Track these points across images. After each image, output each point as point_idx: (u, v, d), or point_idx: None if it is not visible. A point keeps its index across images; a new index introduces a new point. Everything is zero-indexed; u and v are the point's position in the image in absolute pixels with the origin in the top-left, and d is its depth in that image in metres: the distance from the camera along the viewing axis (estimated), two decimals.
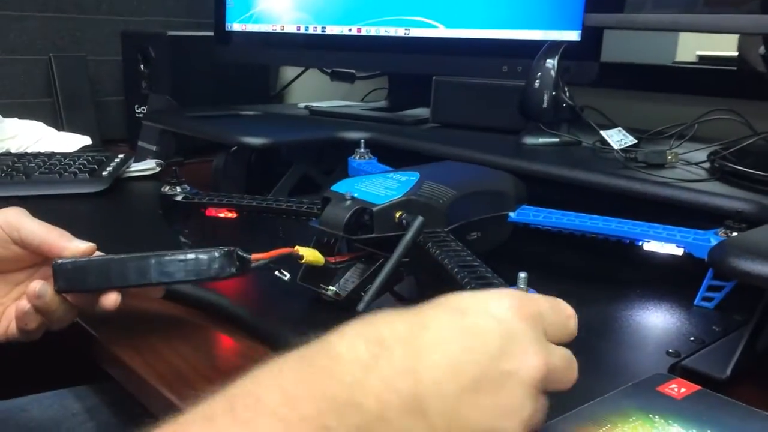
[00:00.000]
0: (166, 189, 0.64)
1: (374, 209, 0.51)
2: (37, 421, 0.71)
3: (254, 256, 0.49)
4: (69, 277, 0.48)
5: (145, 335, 0.53)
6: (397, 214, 0.52)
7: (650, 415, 0.41)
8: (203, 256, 0.48)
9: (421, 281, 0.57)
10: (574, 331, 0.37)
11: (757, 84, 0.84)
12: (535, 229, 0.61)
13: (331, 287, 0.53)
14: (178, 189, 0.63)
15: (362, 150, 0.77)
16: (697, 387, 0.44)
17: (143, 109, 1.23)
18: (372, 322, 0.32)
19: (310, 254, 0.52)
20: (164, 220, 0.65)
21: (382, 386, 0.29)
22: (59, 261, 0.49)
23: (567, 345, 0.37)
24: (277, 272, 0.51)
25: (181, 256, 0.48)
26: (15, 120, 1.16)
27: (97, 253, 0.51)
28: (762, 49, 0.71)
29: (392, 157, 0.78)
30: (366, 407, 0.29)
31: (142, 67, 1.24)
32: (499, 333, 0.32)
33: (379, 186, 0.54)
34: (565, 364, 0.34)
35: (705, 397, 0.43)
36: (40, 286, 0.48)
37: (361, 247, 0.54)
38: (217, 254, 0.48)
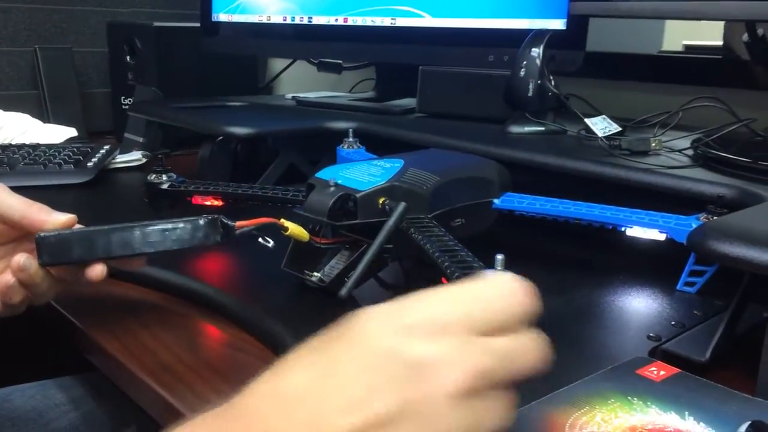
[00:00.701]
0: (152, 177, 0.64)
1: (358, 195, 0.51)
2: (20, 411, 0.71)
3: (239, 223, 0.48)
4: (53, 249, 0.48)
5: (128, 324, 0.53)
6: (381, 201, 0.52)
7: (629, 398, 0.41)
8: (187, 225, 0.47)
9: (405, 267, 0.57)
10: (523, 310, 0.32)
11: (742, 72, 0.84)
12: (519, 216, 0.61)
13: (315, 273, 0.54)
14: (164, 177, 0.63)
15: (351, 139, 0.77)
16: (676, 370, 0.45)
17: (129, 101, 1.23)
18: (278, 374, 0.31)
19: (294, 228, 0.52)
20: (150, 208, 0.65)
21: None
22: (42, 234, 0.48)
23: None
24: (260, 239, 0.50)
25: (166, 225, 0.47)
26: (0, 112, 1.15)
27: (78, 225, 0.50)
28: (746, 37, 0.71)
29: (380, 147, 0.78)
30: None
31: (128, 58, 1.23)
32: (404, 362, 0.29)
33: (363, 173, 0.54)
34: (508, 352, 0.31)
35: (684, 380, 0.44)
36: (24, 259, 0.48)
37: (345, 234, 0.54)
38: (201, 222, 0.47)
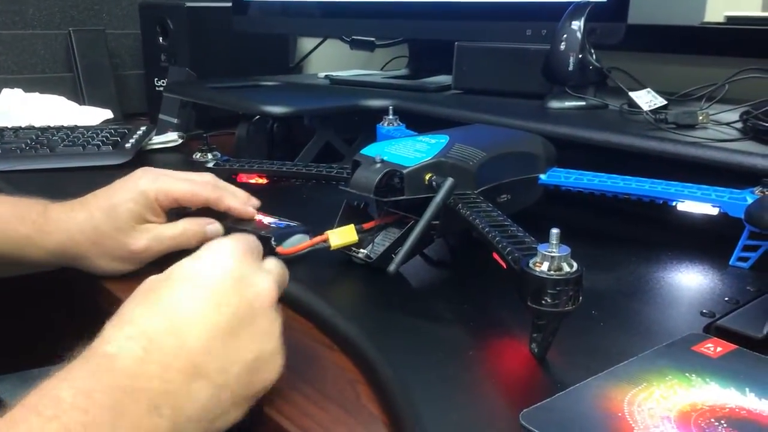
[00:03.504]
0: (198, 156, 0.64)
1: (404, 171, 0.51)
2: None
3: (281, 249, 0.52)
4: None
5: None
6: (427, 176, 0.51)
7: (686, 374, 0.40)
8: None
9: (450, 243, 0.57)
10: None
11: None
12: (565, 191, 0.60)
13: (362, 250, 0.54)
14: (209, 156, 0.63)
15: (391, 117, 0.76)
16: (732, 346, 0.44)
17: (163, 82, 1.23)
18: (131, 321, 0.37)
19: (340, 236, 0.53)
20: None
21: (161, 369, 0.35)
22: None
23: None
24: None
25: None
26: (36, 94, 1.17)
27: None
28: None
29: (417, 124, 0.77)
30: (152, 388, 0.34)
31: (160, 39, 1.23)
32: (231, 281, 0.39)
33: (408, 149, 0.54)
34: (280, 268, 0.43)
35: (741, 356, 0.43)
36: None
37: (391, 211, 0.54)
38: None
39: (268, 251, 0.52)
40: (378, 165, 0.52)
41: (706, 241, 0.59)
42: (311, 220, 0.57)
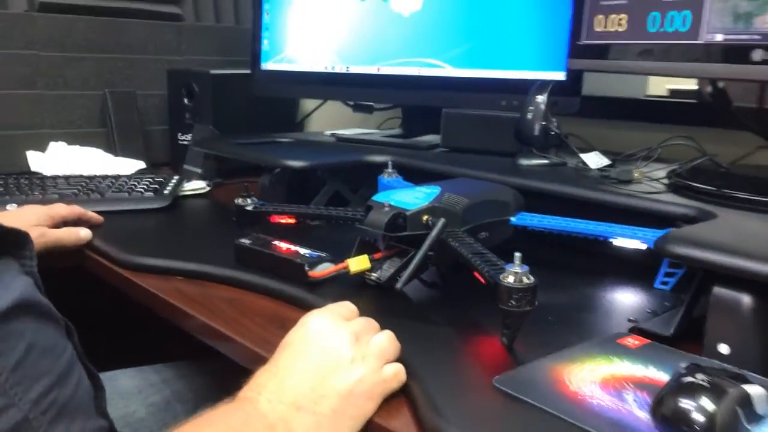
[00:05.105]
0: (239, 200, 0.80)
1: (408, 213, 0.68)
2: (125, 388, 0.88)
3: (312, 273, 0.69)
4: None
5: (227, 312, 0.69)
6: (425, 218, 0.68)
7: (610, 357, 0.57)
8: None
9: (442, 270, 0.73)
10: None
11: (710, 114, 1.01)
12: (531, 230, 0.77)
13: (373, 274, 0.70)
14: (249, 201, 0.80)
15: (390, 170, 0.93)
16: (647, 341, 0.61)
17: (186, 137, 1.40)
18: (254, 378, 0.52)
19: (357, 264, 0.68)
20: (236, 225, 0.81)
21: (272, 403, 0.50)
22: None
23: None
24: None
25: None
26: (77, 147, 1.33)
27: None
28: (710, 89, 0.88)
29: (410, 176, 0.94)
30: (268, 416, 0.49)
31: (185, 100, 1.41)
32: (312, 341, 0.55)
33: (409, 196, 0.71)
34: (366, 323, 0.58)
35: (652, 347, 0.60)
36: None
37: (396, 245, 0.70)
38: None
39: (302, 275, 0.68)
40: (386, 209, 0.69)
41: (636, 269, 0.76)
42: (330, 252, 0.73)
